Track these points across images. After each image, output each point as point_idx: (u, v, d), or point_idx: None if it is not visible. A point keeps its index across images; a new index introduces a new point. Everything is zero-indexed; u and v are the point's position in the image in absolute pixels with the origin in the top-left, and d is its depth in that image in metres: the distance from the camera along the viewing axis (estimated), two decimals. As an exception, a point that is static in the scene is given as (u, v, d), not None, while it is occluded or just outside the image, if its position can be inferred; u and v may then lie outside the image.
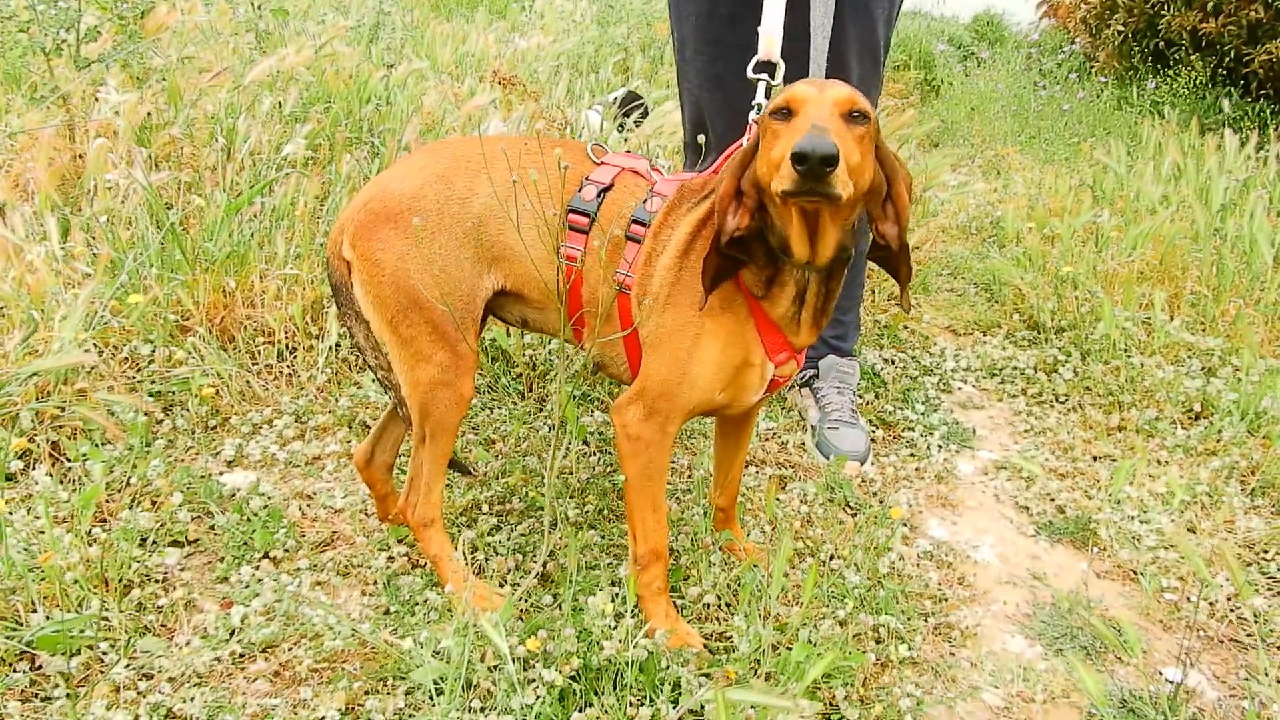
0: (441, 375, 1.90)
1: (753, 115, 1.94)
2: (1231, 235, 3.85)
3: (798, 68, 2.61)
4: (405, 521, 2.07)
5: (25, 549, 1.97)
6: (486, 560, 2.16)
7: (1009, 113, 7.68)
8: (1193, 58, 8.19)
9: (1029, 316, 3.73)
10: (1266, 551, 2.45)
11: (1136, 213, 4.19)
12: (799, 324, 1.80)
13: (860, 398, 3.06)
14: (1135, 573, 2.38)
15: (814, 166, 1.45)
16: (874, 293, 3.85)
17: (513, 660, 1.71)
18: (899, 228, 1.71)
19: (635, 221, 1.87)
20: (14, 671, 1.74)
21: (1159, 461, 2.84)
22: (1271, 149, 4.57)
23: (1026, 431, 3.06)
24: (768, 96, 2.02)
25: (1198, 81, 8.02)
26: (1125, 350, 3.29)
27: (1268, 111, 7.48)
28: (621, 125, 5.03)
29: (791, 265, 1.72)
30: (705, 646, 1.94)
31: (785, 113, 1.60)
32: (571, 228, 1.89)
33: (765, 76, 2.04)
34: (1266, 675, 2.04)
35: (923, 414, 3.04)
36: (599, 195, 1.89)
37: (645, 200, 1.88)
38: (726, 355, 1.80)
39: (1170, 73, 8.29)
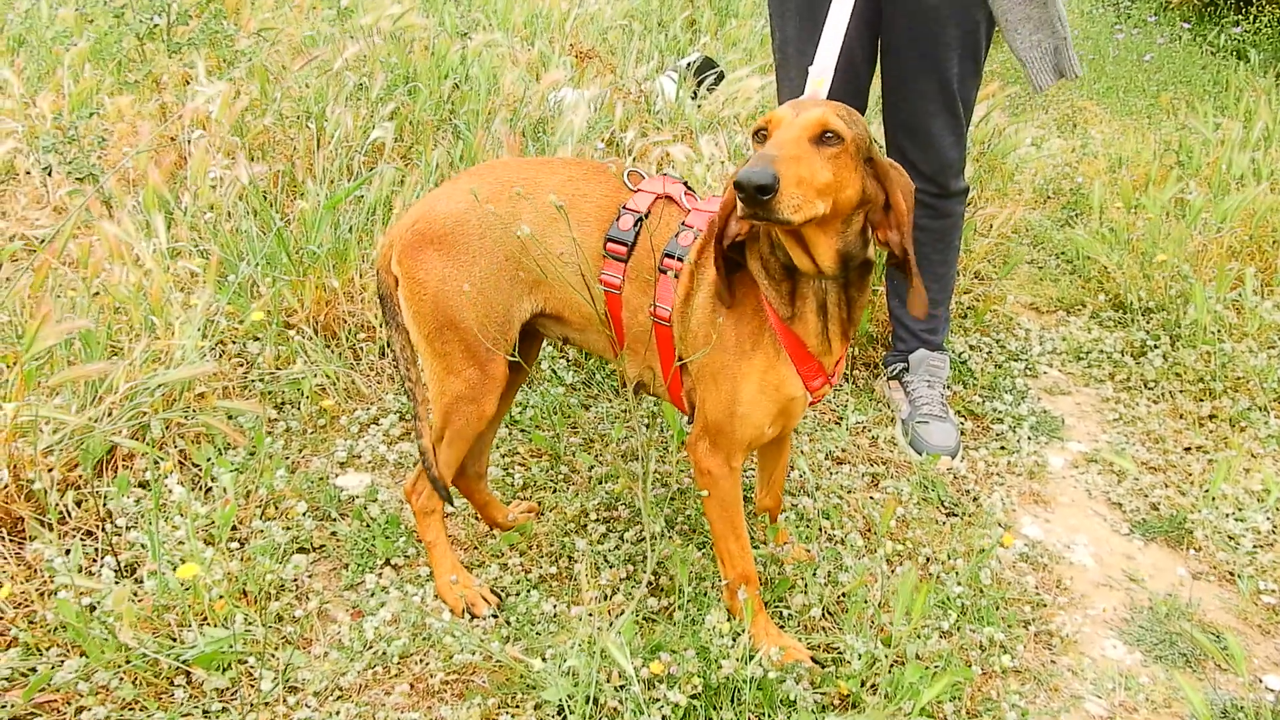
0: (468, 391, 2.01)
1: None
2: (1326, 207, 3.78)
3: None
4: (410, 504, 2.17)
5: (170, 563, 2.09)
6: (598, 570, 2.24)
7: (1086, 61, 7.49)
8: (1278, -4, 7.93)
9: (1115, 296, 3.71)
10: (1364, 553, 2.47)
11: (1224, 183, 4.12)
12: (829, 339, 1.85)
13: (948, 389, 3.09)
14: (1232, 574, 2.41)
15: (750, 195, 1.53)
16: (959, 275, 3.84)
17: (638, 682, 1.80)
18: (900, 235, 1.75)
19: (668, 255, 1.93)
20: (174, 686, 1.86)
21: (1252, 454, 2.85)
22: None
23: (1115, 420, 3.07)
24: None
25: (1282, 20, 7.78)
26: (1216, 335, 3.27)
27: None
28: (695, 93, 5.01)
29: (806, 276, 1.79)
30: (813, 659, 2.02)
31: (762, 134, 1.68)
32: (611, 256, 1.97)
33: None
34: (1367, 687, 2.07)
35: (1011, 404, 3.06)
36: (636, 224, 1.96)
37: (678, 233, 1.95)
38: (765, 394, 1.88)
39: (1253, 9, 8.03)
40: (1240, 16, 8.11)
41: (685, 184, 2.04)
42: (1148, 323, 3.49)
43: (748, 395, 1.88)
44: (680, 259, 1.92)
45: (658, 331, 1.97)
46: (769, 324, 1.86)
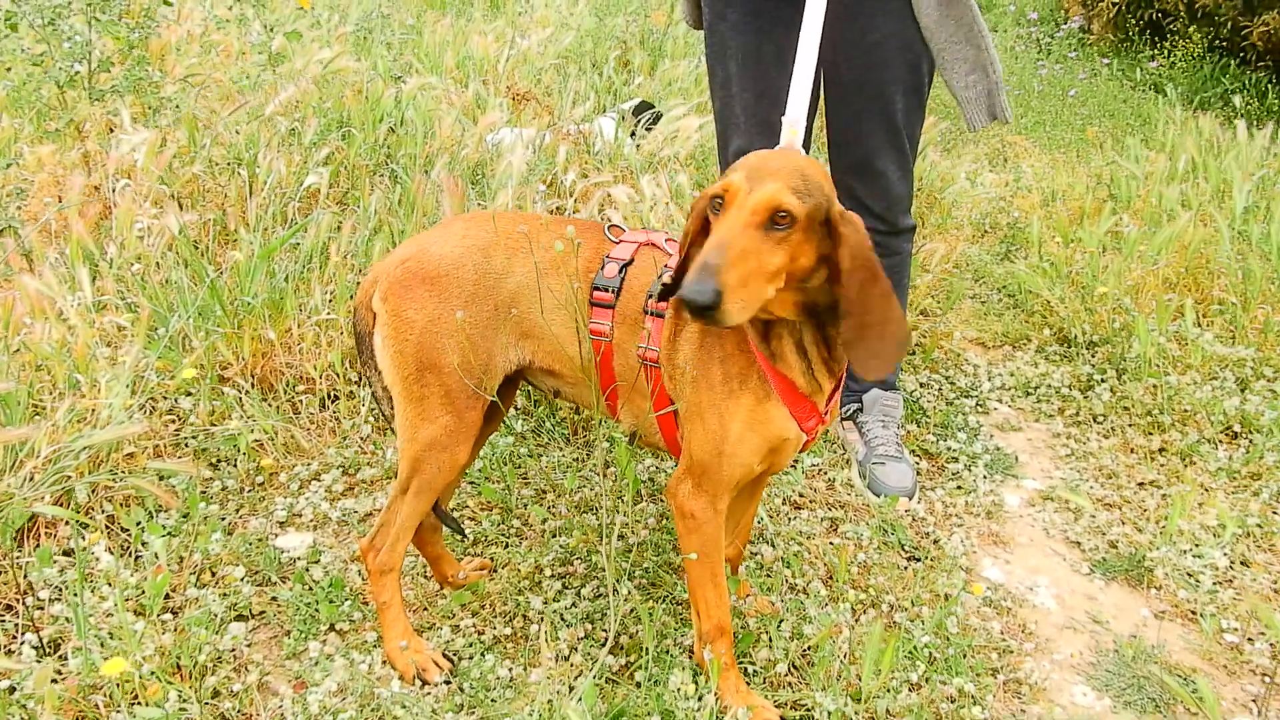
0: (443, 438, 1.95)
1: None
2: (1256, 239, 3.85)
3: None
4: (364, 562, 2.08)
5: (97, 637, 1.95)
6: (555, 630, 2.15)
7: (1011, 96, 7.64)
8: (1190, 29, 8.17)
9: (1059, 329, 3.73)
10: (1320, 585, 2.47)
11: (1157, 216, 4.18)
12: (816, 378, 1.83)
13: (902, 428, 3.06)
14: (1194, 613, 2.39)
15: (694, 311, 1.55)
16: (908, 309, 3.84)
17: (604, 752, 1.71)
18: (843, 292, 1.69)
19: (650, 296, 1.93)
20: (103, 777, 1.74)
21: (1204, 488, 2.85)
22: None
23: (1068, 456, 3.06)
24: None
25: (1195, 54, 8.01)
26: (1160, 367, 3.30)
27: (1266, 83, 7.47)
28: (633, 133, 4.99)
29: (777, 319, 1.77)
30: (782, 718, 1.95)
31: (718, 203, 1.66)
32: (597, 304, 1.96)
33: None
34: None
35: (965, 442, 3.04)
36: (621, 271, 1.95)
37: (660, 275, 1.93)
38: (755, 432, 1.84)
39: (1167, 45, 8.27)
40: (1155, 51, 8.34)
41: (666, 234, 2.03)
42: (1093, 356, 3.51)
43: (736, 433, 1.83)
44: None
45: (650, 376, 1.93)
46: (757, 362, 1.82)
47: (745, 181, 1.64)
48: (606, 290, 1.95)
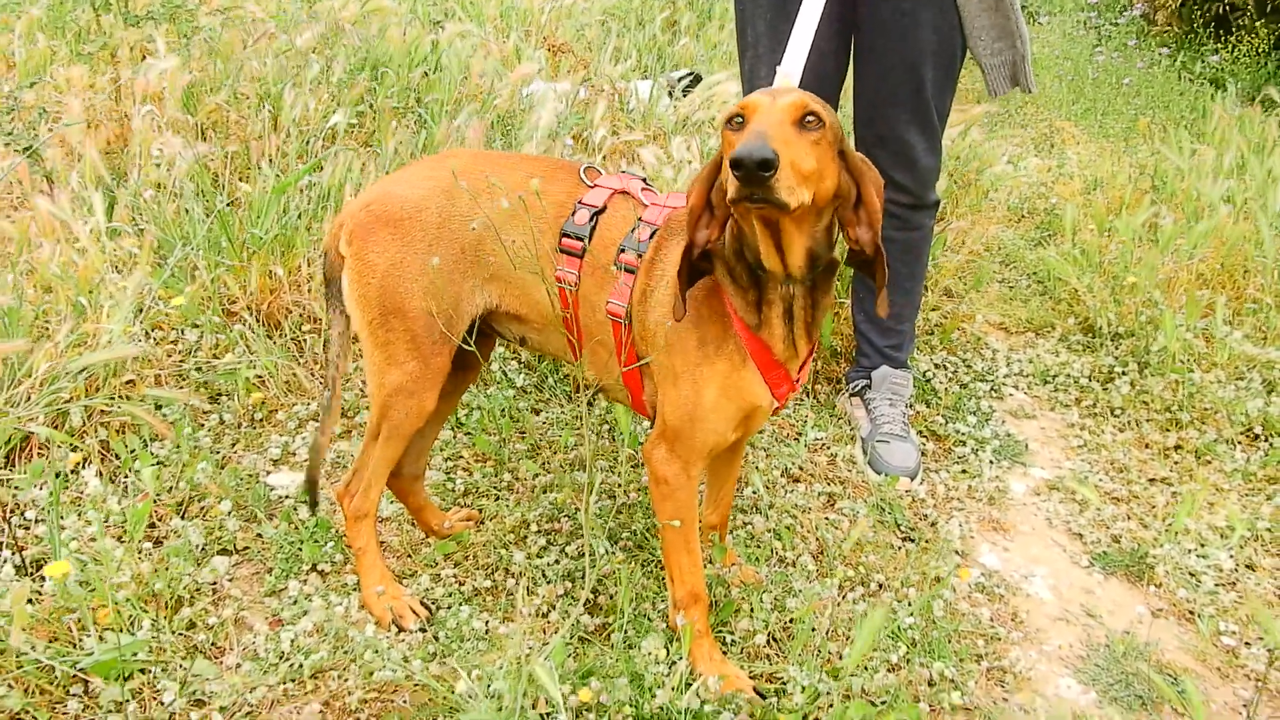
0: (409, 384, 1.92)
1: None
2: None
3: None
4: (341, 507, 2.07)
5: (78, 560, 1.96)
6: (534, 585, 2.13)
7: (1065, 82, 7.46)
8: (1257, 24, 7.92)
9: (1084, 319, 3.64)
10: (1327, 596, 2.40)
11: (1196, 210, 4.06)
12: (795, 345, 1.77)
13: (911, 408, 3.00)
14: (1192, 613, 2.33)
15: (750, 171, 1.43)
16: (927, 290, 3.76)
17: (565, 711, 1.69)
18: (872, 232, 1.66)
19: (623, 250, 1.86)
20: (70, 696, 1.74)
21: (1217, 488, 2.78)
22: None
23: (1080, 447, 2.99)
24: None
25: (1260, 49, 7.77)
26: (1185, 363, 3.21)
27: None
28: (670, 92, 4.92)
29: (773, 280, 1.70)
30: (755, 690, 1.92)
31: (739, 121, 1.58)
32: (565, 251, 1.90)
33: None
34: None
35: (974, 427, 2.98)
36: (592, 219, 1.89)
37: (634, 229, 1.87)
38: (729, 399, 1.79)
39: (1232, 39, 8.03)
40: (1219, 45, 8.10)
41: (644, 180, 1.95)
42: (1116, 348, 3.42)
43: (709, 400, 1.78)
44: (639, 254, 1.83)
45: (616, 331, 1.87)
46: (733, 328, 1.77)
47: (767, 96, 1.58)
48: (576, 238, 1.88)
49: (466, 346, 1.92)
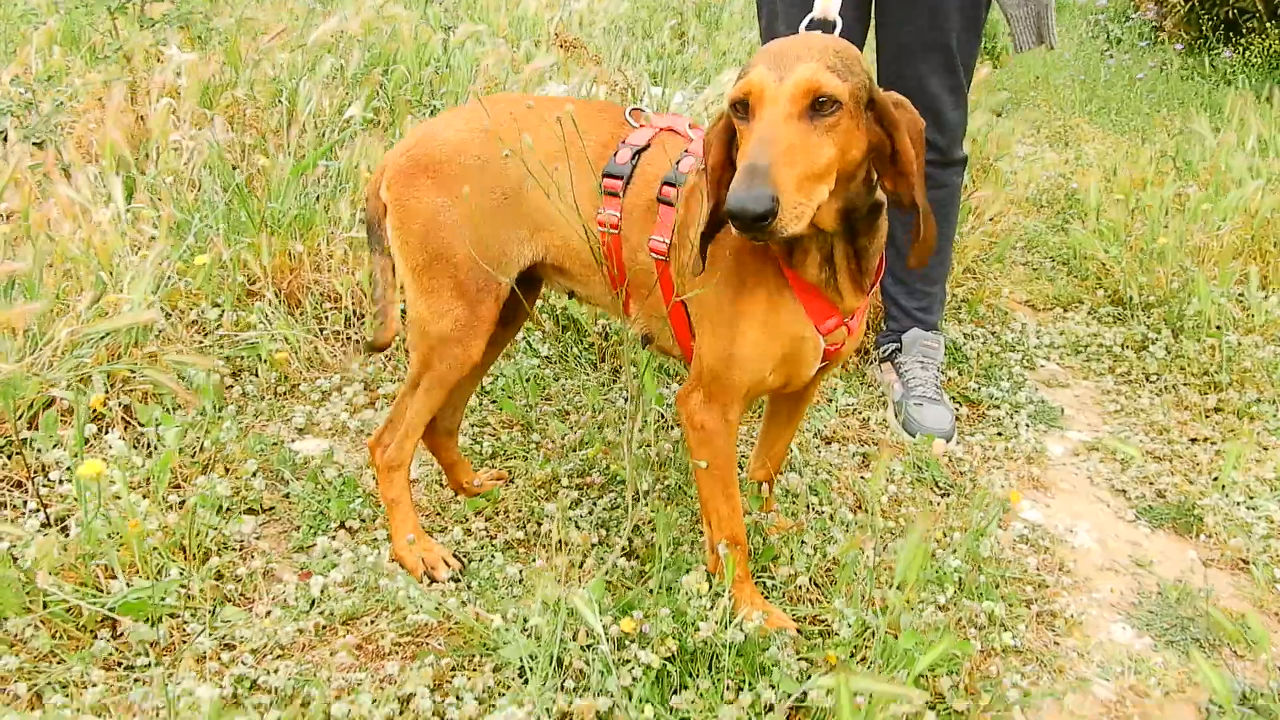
0: (454, 332, 1.86)
1: None
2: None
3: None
4: (373, 458, 2.01)
5: (104, 515, 1.91)
6: (569, 535, 2.08)
7: (1077, 82, 7.45)
8: (1267, 26, 7.91)
9: (1113, 292, 3.58)
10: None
11: (1223, 185, 4.01)
12: (838, 288, 1.68)
13: (943, 373, 2.94)
14: (1245, 561, 2.26)
15: (746, 224, 1.35)
16: (954, 262, 3.72)
17: (607, 640, 1.63)
18: (909, 184, 1.54)
19: (667, 184, 1.77)
20: (96, 639, 1.69)
21: (1262, 446, 2.71)
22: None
23: (1117, 412, 2.93)
24: None
25: (1271, 49, 7.75)
26: (1220, 328, 3.15)
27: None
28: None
29: (805, 238, 1.60)
30: (799, 630, 1.85)
31: (743, 107, 1.47)
32: (608, 193, 1.81)
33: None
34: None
35: (1008, 391, 2.92)
36: (633, 157, 1.81)
37: (678, 161, 1.78)
38: (768, 332, 1.69)
39: (1243, 42, 8.02)
40: (1231, 46, 8.10)
41: (690, 120, 1.90)
42: (1148, 317, 3.36)
43: (749, 335, 1.69)
44: (679, 188, 1.75)
45: (660, 271, 1.80)
46: (771, 256, 1.68)
47: (770, 72, 1.44)
48: (617, 178, 1.81)
49: (507, 280, 1.85)
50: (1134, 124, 6.35)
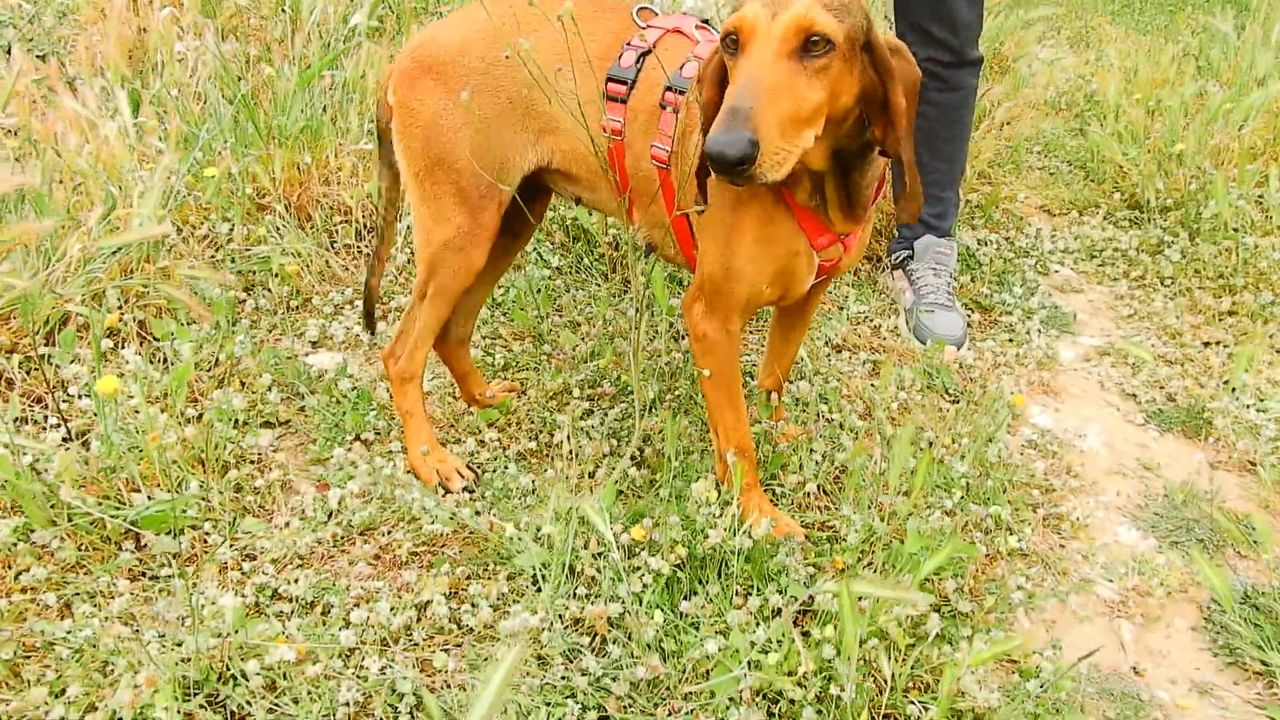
0: (456, 239, 1.86)
1: None
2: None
3: None
4: (387, 370, 2.03)
5: (123, 429, 1.95)
6: (580, 446, 2.10)
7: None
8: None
9: (1130, 195, 3.54)
10: (1393, 443, 2.33)
11: (1245, 84, 3.93)
12: (827, 214, 1.66)
13: (955, 279, 2.93)
14: (1253, 463, 2.27)
15: (724, 167, 1.31)
16: (969, 167, 3.67)
17: (617, 548, 1.66)
18: (897, 136, 1.48)
19: (670, 89, 1.72)
20: (121, 550, 1.73)
21: (1275, 349, 2.70)
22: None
23: (1130, 316, 2.92)
24: None
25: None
26: (1237, 230, 3.11)
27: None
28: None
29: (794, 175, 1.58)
30: (807, 537, 1.89)
31: (732, 41, 1.41)
32: (610, 97, 1.77)
33: None
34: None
35: (1021, 298, 2.91)
36: (638, 60, 1.76)
37: (682, 65, 1.73)
38: (763, 246, 1.68)
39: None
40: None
41: (704, 21, 1.84)
42: (1165, 220, 3.33)
43: (745, 249, 1.68)
44: (682, 93, 1.72)
45: (662, 178, 1.78)
46: None
47: (763, 7, 1.38)
48: (621, 82, 1.77)
49: (508, 189, 1.85)
50: (1157, 22, 6.20)
